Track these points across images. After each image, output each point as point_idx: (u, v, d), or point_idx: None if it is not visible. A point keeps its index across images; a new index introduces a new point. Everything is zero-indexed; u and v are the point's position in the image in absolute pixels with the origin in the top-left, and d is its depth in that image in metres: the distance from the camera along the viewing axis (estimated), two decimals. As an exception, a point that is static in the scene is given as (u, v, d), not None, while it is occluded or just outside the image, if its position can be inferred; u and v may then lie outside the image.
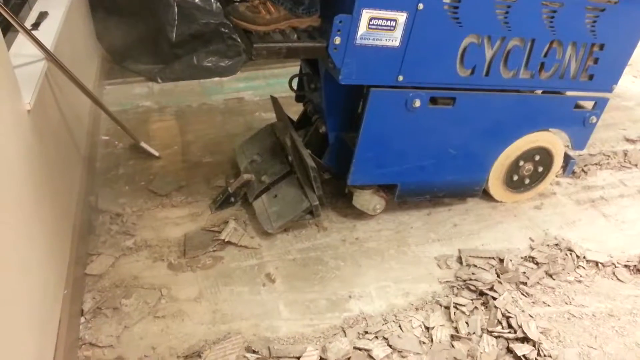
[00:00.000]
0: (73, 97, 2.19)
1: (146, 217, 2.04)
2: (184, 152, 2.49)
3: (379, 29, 1.53)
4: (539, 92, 1.97)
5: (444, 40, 1.64)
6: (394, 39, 1.56)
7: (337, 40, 1.51)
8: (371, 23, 1.52)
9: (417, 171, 1.89)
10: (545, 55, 1.80)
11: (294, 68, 3.43)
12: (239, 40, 3.29)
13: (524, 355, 1.42)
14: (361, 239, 1.95)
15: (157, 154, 2.43)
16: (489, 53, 1.73)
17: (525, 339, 1.48)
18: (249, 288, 1.72)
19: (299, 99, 2.25)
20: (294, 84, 2.10)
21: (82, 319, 1.57)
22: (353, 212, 2.06)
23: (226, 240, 1.89)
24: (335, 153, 1.97)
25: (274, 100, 2.23)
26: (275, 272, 1.78)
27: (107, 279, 1.74)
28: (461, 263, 1.83)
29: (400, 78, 1.64)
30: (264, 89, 3.23)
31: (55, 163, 1.72)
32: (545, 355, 1.43)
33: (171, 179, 2.27)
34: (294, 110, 2.32)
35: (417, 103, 1.70)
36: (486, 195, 2.15)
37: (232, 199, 2.09)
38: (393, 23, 1.53)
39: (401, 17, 1.53)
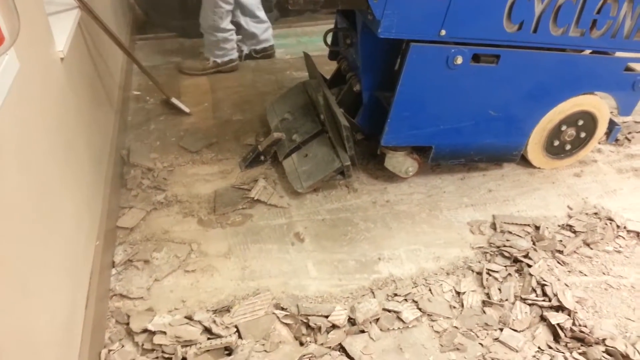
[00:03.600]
0: (105, 49, 2.17)
1: (177, 172, 2.04)
2: (214, 109, 2.47)
3: (423, -21, 1.44)
4: (587, 52, 1.85)
5: (491, -8, 1.53)
6: (438, -11, 1.47)
7: (378, -11, 1.43)
8: (414, -28, 1.43)
9: (453, 133, 1.82)
10: (599, 12, 1.68)
11: (326, 25, 3.33)
12: (270, -6, 3.20)
13: (558, 324, 1.38)
14: (392, 202, 1.91)
15: (187, 110, 2.41)
16: (538, 7, 1.61)
17: (560, 308, 1.44)
18: (278, 246, 1.71)
19: (332, 56, 2.18)
20: (329, 40, 2.02)
21: (113, 271, 1.60)
22: (384, 174, 2.02)
23: (255, 198, 1.88)
24: (368, 112, 1.91)
25: (307, 57, 2.16)
26: (304, 232, 1.77)
27: (138, 232, 1.76)
28: (495, 229, 1.77)
29: (443, 32, 1.55)
30: (295, 47, 3.15)
31: (88, 113, 1.72)
32: (580, 325, 1.38)
33: (201, 135, 2.26)
34: (327, 69, 2.25)
35: (459, 60, 1.62)
36: (523, 161, 2.07)
37: (262, 158, 2.06)
38: (434, -28, 1.44)
39: (447, -34, 1.43)
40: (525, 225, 1.77)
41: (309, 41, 3.23)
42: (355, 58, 1.88)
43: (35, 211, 1.11)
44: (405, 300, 1.48)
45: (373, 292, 1.52)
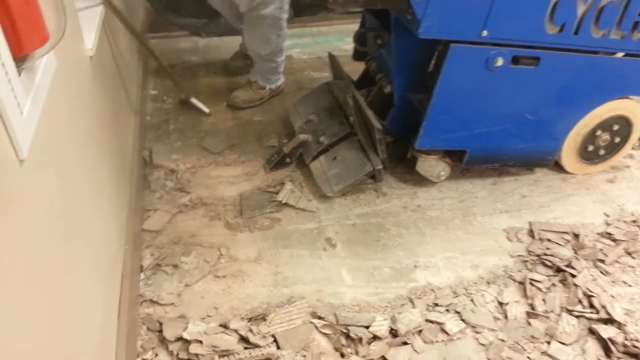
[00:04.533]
0: (125, 47, 2.11)
1: (200, 174, 1.98)
2: (233, 109, 2.41)
3: (468, -23, 1.39)
4: (621, 55, 1.80)
5: (535, -8, 1.49)
6: (482, -11, 1.42)
7: (422, -12, 1.38)
8: (460, -30, 1.38)
9: (489, 137, 1.77)
10: (641, 14, 1.63)
11: (342, 25, 3.31)
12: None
13: (609, 338, 1.33)
14: (423, 207, 1.85)
15: (207, 110, 2.35)
16: (581, 9, 1.57)
17: (608, 321, 1.39)
18: (309, 252, 1.66)
19: (357, 56, 2.12)
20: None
21: (142, 275, 1.54)
22: (413, 177, 1.97)
23: (283, 202, 1.82)
24: (399, 115, 1.86)
25: (332, 57, 2.11)
26: (336, 237, 1.71)
27: (165, 236, 1.70)
28: (533, 237, 1.72)
29: (485, 33, 1.50)
30: (312, 47, 3.10)
31: (113, 113, 1.66)
32: (632, 340, 1.33)
33: (223, 136, 2.20)
34: (347, 70, 2.18)
35: (499, 62, 1.57)
36: (555, 166, 2.01)
37: (288, 160, 2.01)
38: (484, -29, 1.39)
39: (494, -36, 1.39)
40: (563, 232, 1.72)
41: (325, 41, 3.17)
42: (387, 59, 1.83)
43: (69, 216, 1.05)
44: (448, 310, 1.42)
45: (412, 302, 1.47)
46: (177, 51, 3.03)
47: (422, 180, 1.93)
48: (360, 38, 1.88)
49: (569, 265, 1.55)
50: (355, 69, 2.27)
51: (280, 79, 2.49)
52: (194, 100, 2.34)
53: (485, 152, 1.81)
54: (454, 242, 1.71)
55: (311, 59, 2.94)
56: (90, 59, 1.41)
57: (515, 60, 1.61)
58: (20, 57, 0.84)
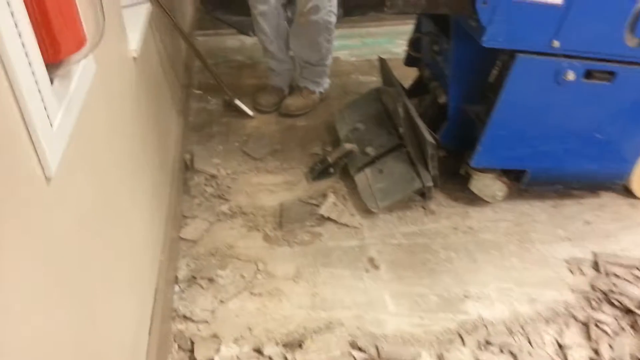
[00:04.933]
0: (171, 45, 2.07)
1: (240, 181, 1.92)
2: (277, 113, 2.33)
3: (542, -17, 1.25)
4: None
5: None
6: (558, -5, 1.27)
7: (490, -7, 1.25)
8: (534, -26, 1.24)
9: (553, 156, 1.61)
10: None
11: (392, 27, 3.17)
12: (337, -6, 3.04)
13: (691, 398, 1.16)
14: (475, 229, 1.72)
15: (251, 113, 2.29)
16: (669, 20, 1.39)
17: (688, 375, 1.23)
18: (351, 272, 1.56)
19: (409, 62, 2.00)
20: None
21: (177, 288, 1.49)
22: (464, 195, 1.83)
23: (325, 216, 1.73)
24: (454, 128, 1.73)
25: (383, 62, 1.99)
26: (379, 257, 1.60)
27: (202, 246, 1.64)
28: (598, 270, 1.56)
29: (556, 44, 1.36)
30: (360, 49, 2.98)
31: (156, 115, 1.62)
32: None
33: (265, 141, 2.13)
34: (397, 75, 2.05)
35: (571, 76, 1.41)
36: (622, 190, 1.83)
37: (331, 170, 1.91)
38: (561, -25, 1.24)
39: (573, -31, 1.24)
40: (633, 267, 1.55)
41: (374, 43, 3.05)
42: (443, 66, 1.70)
43: (103, 227, 0.99)
44: (501, 351, 1.29)
45: (462, 338, 1.34)
46: (223, 49, 2.98)
47: (475, 199, 1.79)
48: (414, 43, 1.76)
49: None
50: (407, 74, 2.14)
51: (327, 82, 2.40)
52: (238, 102, 2.28)
53: (547, 173, 1.65)
54: (509, 271, 1.57)
55: (359, 62, 2.83)
56: (134, 60, 1.36)
57: (588, 74, 1.45)
58: (54, 64, 0.78)
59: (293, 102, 2.30)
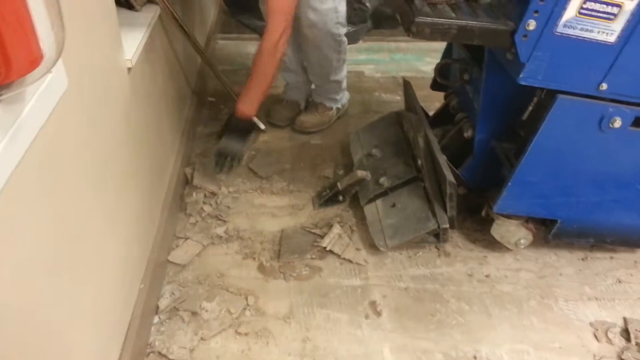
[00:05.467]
0: (182, 49, 1.95)
1: (242, 200, 1.79)
2: (291, 128, 2.20)
3: (593, 16, 1.09)
4: None
5: (678, 41, 1.15)
6: (610, 32, 1.11)
7: (532, 24, 1.09)
8: (584, 6, 1.07)
9: (587, 207, 1.44)
10: None
11: (424, 44, 3.00)
12: (366, 4, 2.90)
13: None
14: (493, 278, 1.55)
15: (263, 127, 2.13)
16: None
17: None
18: (349, 316, 1.41)
19: (437, 87, 1.84)
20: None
21: (156, 319, 1.36)
22: (484, 237, 1.67)
23: (328, 248, 1.58)
24: (478, 165, 1.57)
25: (407, 86, 1.84)
26: (382, 302, 1.45)
27: (191, 271, 1.51)
28: (628, 339, 1.38)
29: (604, 87, 1.19)
30: (387, 64, 2.83)
31: (155, 125, 1.51)
32: None
33: (274, 158, 2.00)
34: (421, 95, 1.89)
35: (617, 122, 1.24)
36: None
37: (340, 198, 1.77)
38: (616, 10, 1.08)
39: (630, 3, 1.07)
40: (670, 341, 1.36)
41: (402, 59, 2.90)
42: (472, 97, 1.54)
43: (65, 253, 0.87)
44: None
45: (467, 410, 1.18)
46: (243, 55, 2.87)
47: (494, 242, 1.62)
48: (442, 69, 1.60)
49: (678, 395, 1.20)
50: (432, 97, 1.99)
51: (345, 96, 2.26)
52: (250, 115, 2.15)
53: (579, 225, 1.48)
54: (527, 332, 1.40)
55: (384, 79, 2.68)
56: (128, 72, 1.24)
57: (637, 122, 1.27)
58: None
59: (308, 118, 2.16)
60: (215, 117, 2.26)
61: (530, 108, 1.40)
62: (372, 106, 2.43)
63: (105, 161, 1.08)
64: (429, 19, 1.09)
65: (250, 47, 2.95)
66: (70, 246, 0.89)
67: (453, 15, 1.12)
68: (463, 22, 1.10)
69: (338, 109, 2.23)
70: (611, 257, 1.64)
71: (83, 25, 0.95)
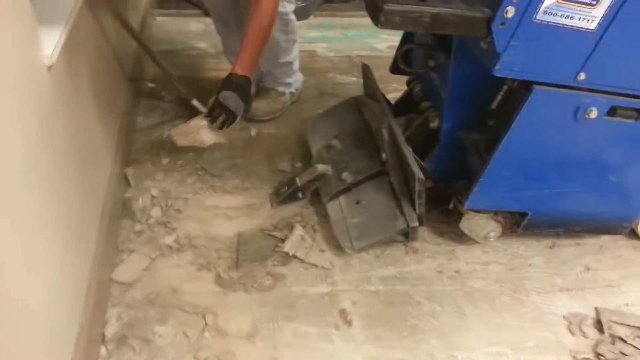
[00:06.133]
0: (113, 31, 1.72)
1: (192, 202, 1.63)
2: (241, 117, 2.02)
3: (575, 2, 0.99)
4: None
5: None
6: (591, 18, 1.02)
7: (510, 11, 0.99)
8: (566, -9, 0.98)
9: (559, 199, 1.39)
10: None
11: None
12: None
13: None
14: (463, 273, 1.49)
15: (204, 110, 1.97)
16: None
17: None
18: (318, 329, 1.31)
19: (397, 71, 1.71)
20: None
21: (103, 350, 1.20)
22: (450, 229, 1.60)
23: (291, 253, 1.46)
24: (445, 156, 1.48)
25: (366, 70, 1.71)
26: (352, 310, 1.36)
27: (139, 289, 1.35)
28: (601, 330, 1.36)
29: (582, 76, 1.11)
30: (341, 41, 2.68)
31: (85, 123, 1.31)
32: None
33: (225, 152, 1.83)
34: (377, 77, 1.75)
35: (594, 113, 1.18)
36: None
37: (300, 195, 1.64)
38: (598, -6, 0.99)
39: (613, -13, 0.98)
40: (640, 329, 1.35)
41: (356, 36, 2.75)
42: (438, 85, 1.44)
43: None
44: None
45: None
46: (184, 33, 2.64)
47: (462, 235, 1.55)
48: (405, 55, 1.48)
49: (654, 389, 1.19)
50: (389, 77, 1.82)
51: (298, 79, 2.10)
52: (196, 103, 1.95)
53: (550, 216, 1.44)
54: (502, 331, 1.35)
55: (338, 58, 2.53)
56: (48, 70, 1.04)
57: (612, 111, 1.21)
58: None
59: (259, 105, 2.00)
60: (157, 106, 2.06)
61: (499, 97, 1.32)
62: (327, 89, 2.29)
63: (25, 176, 0.89)
64: (398, 7, 0.96)
65: (192, 24, 2.71)
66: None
67: (425, 2, 0.99)
68: (436, 10, 0.98)
69: (292, 93, 2.07)
70: (577, 244, 1.62)
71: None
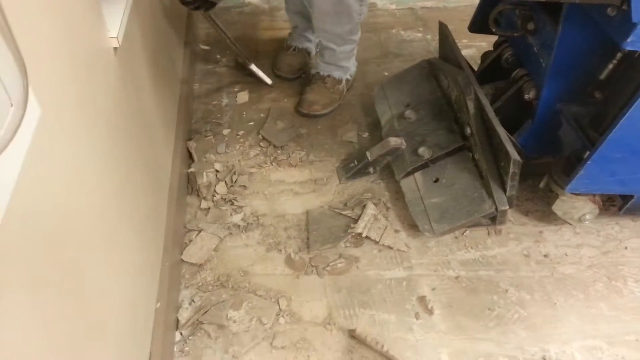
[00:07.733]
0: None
1: (257, 177, 1.55)
2: (295, 110, 1.78)
3: None
4: None
5: None
6: None
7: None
8: None
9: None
10: None
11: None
12: None
13: None
14: (552, 258, 1.37)
15: (269, 81, 1.87)
16: None
17: None
18: (396, 317, 1.24)
19: (477, 28, 1.53)
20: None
21: (178, 335, 1.17)
22: (537, 208, 1.47)
23: (364, 235, 1.38)
24: (540, 130, 1.33)
25: (444, 30, 1.54)
26: (433, 297, 1.27)
27: (210, 271, 1.31)
28: None
29: None
30: (404, -8, 2.47)
31: (149, 101, 1.23)
32: None
33: (287, 122, 1.73)
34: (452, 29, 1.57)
35: None
36: None
37: (371, 170, 1.54)
38: None
39: None
40: None
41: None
42: (537, 51, 1.27)
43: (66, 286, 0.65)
44: None
45: None
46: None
47: (549, 213, 1.42)
48: (499, 15, 1.30)
49: None
50: (458, 31, 1.64)
51: (354, 65, 1.83)
52: (255, 68, 1.85)
53: (657, 198, 1.28)
54: (598, 322, 1.24)
55: (400, 11, 2.34)
56: (115, 51, 0.95)
57: None
58: None
59: (316, 98, 1.74)
60: (213, 71, 1.96)
61: (610, 67, 1.14)
62: (391, 47, 2.13)
63: (104, 164, 0.83)
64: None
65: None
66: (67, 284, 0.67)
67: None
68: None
69: (347, 80, 1.81)
70: (679, 225, 1.46)
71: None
